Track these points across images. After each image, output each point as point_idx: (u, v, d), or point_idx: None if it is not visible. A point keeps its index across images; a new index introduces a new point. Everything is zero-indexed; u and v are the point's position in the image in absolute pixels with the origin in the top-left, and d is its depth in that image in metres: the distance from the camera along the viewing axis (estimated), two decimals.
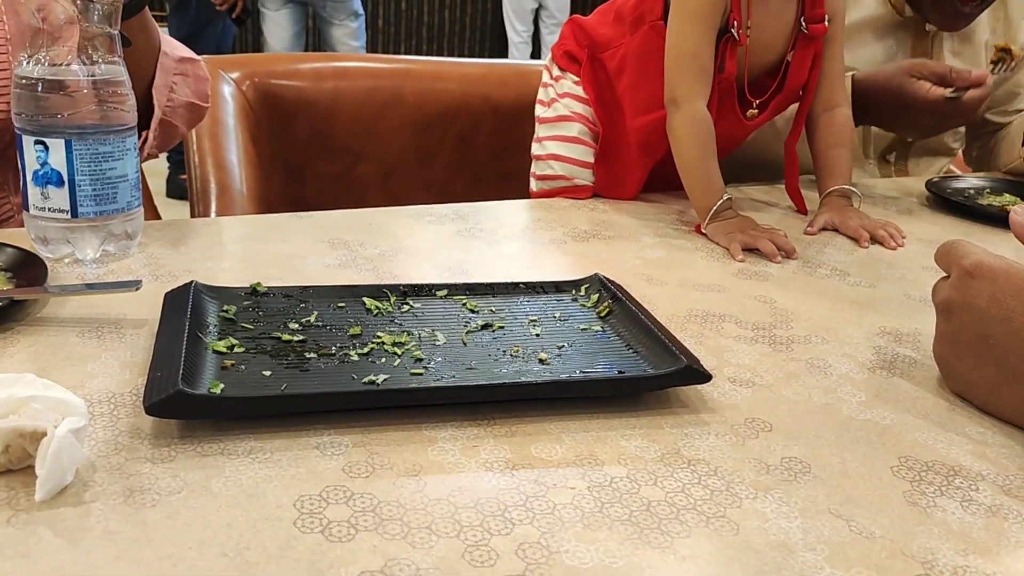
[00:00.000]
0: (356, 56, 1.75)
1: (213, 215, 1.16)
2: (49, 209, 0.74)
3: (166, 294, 0.66)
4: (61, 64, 0.73)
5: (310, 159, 1.43)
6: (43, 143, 0.72)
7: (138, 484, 0.48)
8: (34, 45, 0.73)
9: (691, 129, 1.01)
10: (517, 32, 5.14)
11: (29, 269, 0.71)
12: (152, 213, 1.19)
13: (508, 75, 1.57)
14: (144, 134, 0.94)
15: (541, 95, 1.24)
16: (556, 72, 1.22)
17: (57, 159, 0.72)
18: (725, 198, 0.98)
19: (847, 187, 1.07)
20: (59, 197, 0.74)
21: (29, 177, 0.74)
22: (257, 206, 1.23)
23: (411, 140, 1.50)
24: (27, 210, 0.75)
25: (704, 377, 0.60)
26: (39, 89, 0.72)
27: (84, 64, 0.74)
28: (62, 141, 0.72)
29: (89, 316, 0.67)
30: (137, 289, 0.67)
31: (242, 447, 0.52)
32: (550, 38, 5.23)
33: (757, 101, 1.08)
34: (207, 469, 0.50)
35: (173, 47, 0.97)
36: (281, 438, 0.54)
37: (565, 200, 1.10)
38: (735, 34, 1.01)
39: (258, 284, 0.69)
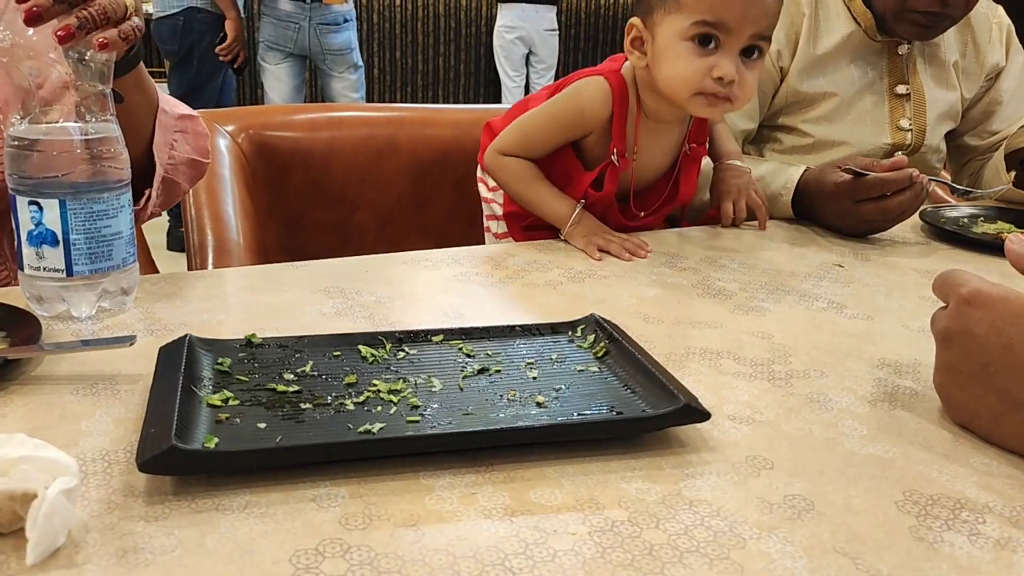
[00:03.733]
0: (350, 105, 1.77)
1: (210, 268, 1.16)
2: (44, 269, 0.74)
3: (160, 348, 0.65)
4: (54, 123, 0.74)
5: (307, 208, 1.44)
6: (37, 203, 0.72)
7: (131, 544, 0.48)
8: (27, 107, 0.73)
9: (518, 164, 1.14)
10: (510, 78, 5.19)
11: (23, 327, 0.71)
12: (150, 267, 1.19)
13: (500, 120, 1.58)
14: (147, 192, 0.94)
15: (486, 211, 1.31)
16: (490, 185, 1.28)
17: (51, 219, 0.72)
18: (580, 206, 1.09)
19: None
20: (54, 256, 0.74)
21: (24, 237, 0.74)
22: (254, 257, 1.23)
23: (407, 186, 1.50)
24: (22, 270, 0.75)
25: (703, 416, 0.60)
26: (32, 149, 0.72)
27: (77, 123, 0.74)
28: (56, 201, 0.72)
29: (84, 373, 0.67)
30: (131, 344, 0.66)
31: (237, 502, 0.52)
32: (540, 81, 5.29)
33: (643, 213, 1.17)
34: (202, 526, 0.50)
35: (171, 104, 0.97)
36: (277, 491, 0.53)
37: (560, 242, 1.10)
38: (615, 160, 1.10)
39: (253, 336, 0.69)
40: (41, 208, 0.72)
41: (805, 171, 1.23)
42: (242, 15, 3.82)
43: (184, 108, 0.99)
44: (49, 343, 0.69)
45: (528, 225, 1.20)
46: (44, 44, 0.71)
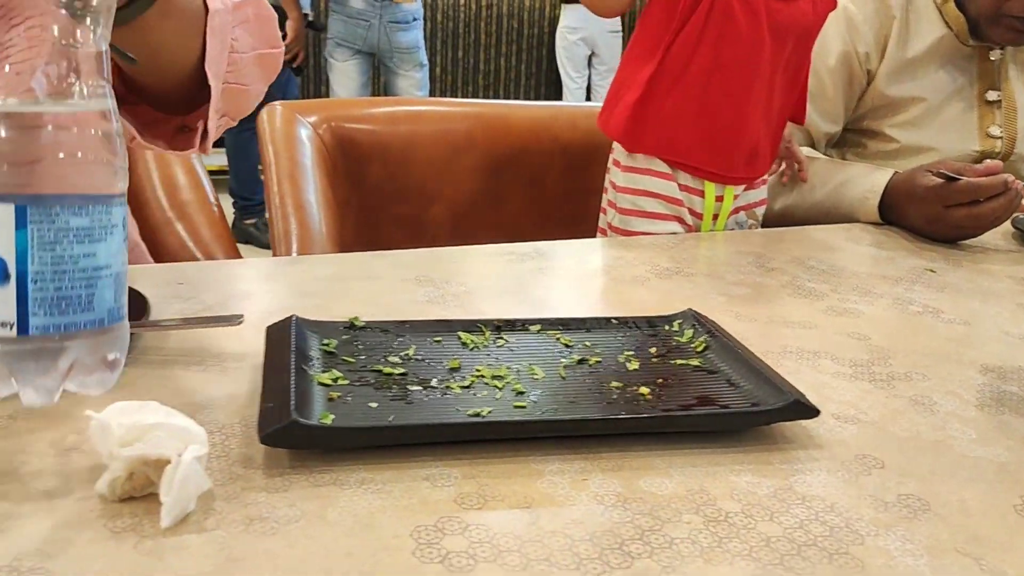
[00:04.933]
0: (429, 100, 1.78)
1: (294, 254, 1.18)
2: None
3: (268, 327, 0.67)
4: (14, 90, 0.47)
5: (383, 201, 1.45)
6: None
7: (256, 512, 0.49)
8: None
9: None
10: (572, 79, 5.19)
11: (131, 304, 0.72)
12: (233, 251, 1.21)
13: (577, 117, 1.59)
14: (199, 126, 0.77)
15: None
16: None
17: (1, 236, 0.45)
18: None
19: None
20: (0, 300, 0.45)
21: None
22: (335, 247, 1.25)
23: (482, 182, 1.51)
24: None
25: (812, 412, 0.59)
26: None
27: (48, 91, 0.47)
28: (11, 208, 0.45)
29: (190, 349, 0.69)
30: (239, 323, 0.68)
31: (353, 477, 0.53)
32: (602, 83, 5.28)
33: None
34: (321, 499, 0.50)
35: None
36: (390, 469, 0.54)
37: (644, 238, 1.09)
38: None
39: (356, 319, 0.70)
40: None
41: (893, 175, 1.21)
42: (304, 12, 3.89)
43: None
44: (158, 320, 0.71)
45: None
46: None
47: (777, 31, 1.09)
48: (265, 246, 3.69)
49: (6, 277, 0.45)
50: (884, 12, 1.34)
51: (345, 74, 3.95)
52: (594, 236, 1.44)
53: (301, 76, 4.64)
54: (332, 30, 3.92)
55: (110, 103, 0.49)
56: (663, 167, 1.13)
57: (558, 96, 5.50)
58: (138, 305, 0.71)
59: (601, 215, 1.24)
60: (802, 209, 1.30)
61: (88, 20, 0.47)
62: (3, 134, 0.45)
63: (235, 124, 0.85)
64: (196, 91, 0.76)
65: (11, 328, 0.45)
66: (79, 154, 0.47)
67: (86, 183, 0.47)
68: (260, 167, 4.02)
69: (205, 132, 0.79)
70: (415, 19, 3.92)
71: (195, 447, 0.47)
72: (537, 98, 5.78)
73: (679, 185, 1.14)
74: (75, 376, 0.48)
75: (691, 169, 1.14)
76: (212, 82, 0.75)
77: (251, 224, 3.94)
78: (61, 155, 0.46)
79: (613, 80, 1.18)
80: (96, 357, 0.49)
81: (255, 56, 0.82)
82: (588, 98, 5.30)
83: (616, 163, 1.18)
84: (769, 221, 1.27)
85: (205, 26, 0.73)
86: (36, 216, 0.45)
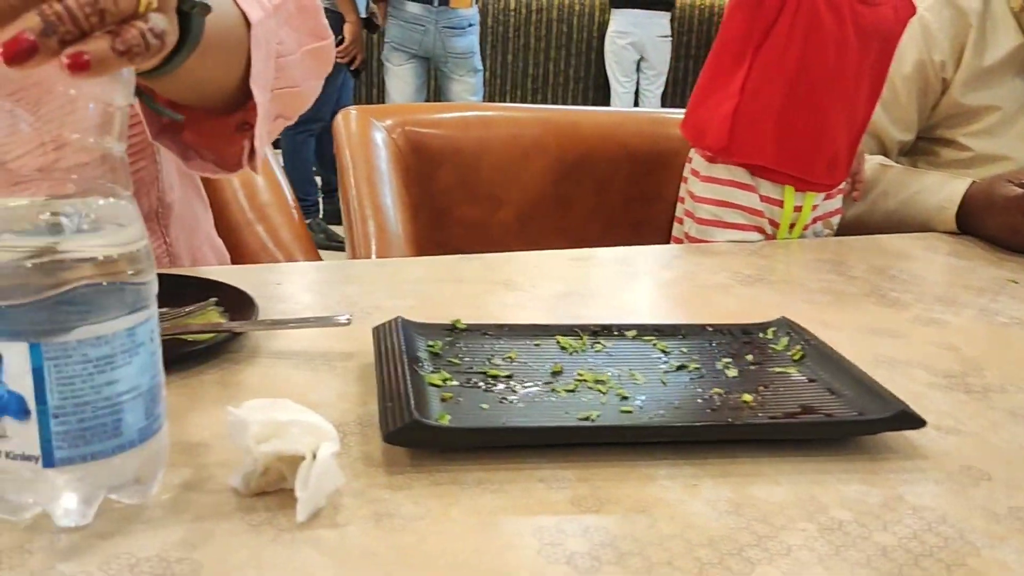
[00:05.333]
0: (500, 106, 1.80)
1: (373, 256, 1.20)
2: (7, 454, 0.45)
3: (374, 328, 0.69)
4: (18, 206, 0.44)
5: (453, 204, 1.47)
6: None
7: (383, 509, 0.50)
8: None
9: None
10: (620, 84, 5.19)
11: (239, 303, 0.75)
12: (313, 253, 1.23)
13: (643, 123, 1.59)
14: (246, 143, 0.74)
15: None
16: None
17: (16, 373, 0.43)
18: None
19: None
20: (21, 435, 0.44)
21: None
22: (412, 249, 1.27)
23: (549, 187, 1.52)
24: None
25: (918, 422, 0.60)
26: None
27: (61, 207, 0.44)
28: (24, 345, 0.43)
29: (298, 350, 0.71)
30: (347, 323, 0.70)
31: (471, 477, 0.54)
32: (650, 87, 5.27)
33: None
34: (444, 497, 0.52)
35: None
36: (505, 470, 0.55)
37: (722, 245, 1.10)
38: None
39: (458, 321, 0.71)
40: (0, 356, 0.44)
41: (971, 184, 1.20)
42: (361, 17, 3.93)
43: None
44: (269, 320, 0.73)
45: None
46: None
47: (862, 35, 1.09)
48: (320, 246, 3.73)
49: (26, 413, 0.44)
50: (960, 20, 1.33)
51: (400, 78, 4.00)
52: (659, 240, 1.45)
53: (359, 78, 4.69)
54: (389, 34, 3.97)
55: (129, 208, 0.46)
56: (745, 177, 1.14)
57: (606, 100, 5.50)
58: (246, 306, 0.74)
59: (676, 224, 1.24)
60: (875, 218, 1.29)
61: (96, 110, 0.44)
62: (17, 264, 0.43)
63: (292, 122, 0.83)
64: (246, 99, 0.72)
65: (37, 461, 0.45)
66: (97, 278, 0.44)
67: (104, 305, 0.44)
68: (315, 168, 4.09)
69: (253, 149, 0.75)
70: (471, 24, 3.95)
71: (329, 443, 0.49)
72: (584, 102, 5.78)
73: (760, 196, 1.14)
74: (103, 492, 0.47)
75: (774, 175, 1.13)
76: (258, 98, 0.71)
77: (307, 224, 4.00)
78: (75, 281, 0.43)
79: (697, 88, 1.18)
80: (127, 477, 0.48)
81: (303, 53, 0.79)
82: (636, 102, 5.30)
83: (695, 173, 1.18)
84: (841, 229, 1.27)
85: (248, 41, 0.69)
86: (51, 352, 0.43)
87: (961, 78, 1.32)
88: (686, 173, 1.21)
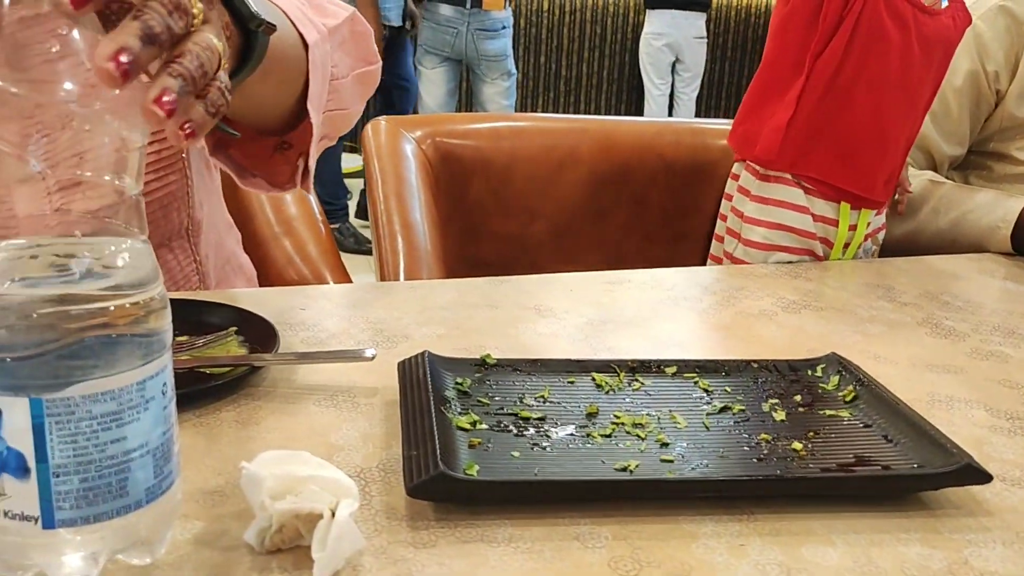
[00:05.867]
0: (533, 116, 1.76)
1: (401, 274, 1.17)
2: (6, 513, 0.42)
3: (399, 364, 0.65)
4: (18, 258, 0.41)
5: (485, 217, 1.44)
6: None
7: (406, 571, 0.47)
8: None
9: None
10: (655, 85, 5.13)
11: (259, 332, 0.72)
12: (340, 269, 1.21)
13: (682, 134, 1.55)
14: (301, 163, 0.74)
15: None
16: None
17: (16, 430, 0.40)
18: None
19: None
20: (21, 495, 0.41)
21: None
22: (441, 265, 1.24)
23: (585, 199, 1.49)
24: None
25: (984, 477, 0.55)
26: None
27: (69, 251, 0.41)
28: (24, 401, 0.40)
29: (320, 384, 0.68)
30: (372, 359, 0.66)
31: (501, 534, 0.50)
32: (685, 90, 5.20)
33: None
34: (470, 557, 0.48)
35: (320, 13, 0.74)
36: (538, 525, 0.51)
37: (765, 267, 1.05)
38: None
39: (487, 356, 0.68)
40: None
41: None
42: (392, 25, 3.92)
43: (335, 7, 0.78)
44: (291, 353, 0.70)
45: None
46: (13, 116, 0.39)
47: (925, 44, 1.04)
48: (348, 250, 3.72)
49: (26, 471, 0.41)
50: (1016, 30, 1.27)
51: (432, 81, 3.98)
52: (697, 255, 1.40)
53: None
54: (422, 37, 3.94)
55: (146, 251, 0.43)
56: (799, 198, 1.08)
57: (639, 103, 5.44)
58: (267, 336, 0.71)
59: (716, 243, 1.19)
60: (925, 236, 1.24)
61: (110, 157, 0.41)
62: (14, 323, 0.39)
63: (334, 143, 0.84)
64: (296, 120, 0.73)
65: (36, 523, 0.41)
66: (106, 327, 0.41)
67: (112, 357, 0.41)
68: (342, 173, 4.08)
69: (307, 168, 0.75)
70: (504, 27, 3.91)
71: (348, 502, 0.46)
72: (618, 104, 5.73)
73: (813, 216, 1.09)
74: (114, 555, 0.44)
75: (829, 192, 1.08)
76: (314, 118, 0.71)
77: (335, 229, 4.00)
78: (81, 332, 0.40)
79: (748, 99, 1.13)
80: (132, 540, 0.44)
81: (354, 77, 0.80)
82: (671, 105, 5.24)
83: (744, 191, 1.12)
84: (888, 248, 1.22)
85: (307, 63, 0.69)
86: (53, 408, 0.40)
87: (1016, 90, 1.27)
88: (731, 190, 1.16)
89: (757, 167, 1.10)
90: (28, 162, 0.39)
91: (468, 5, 3.81)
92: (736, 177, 1.15)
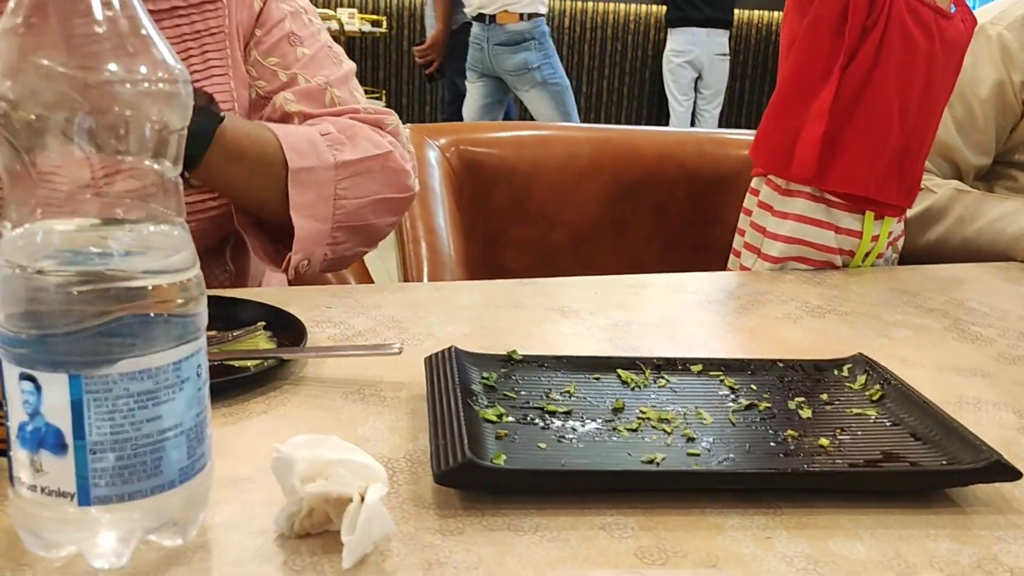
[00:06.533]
0: (556, 125, 1.77)
1: (425, 278, 1.18)
2: (42, 489, 0.43)
3: (426, 358, 0.66)
4: (65, 233, 0.42)
5: (507, 225, 1.45)
6: (32, 378, 0.41)
7: (434, 556, 0.47)
8: (21, 202, 0.41)
9: None
10: (679, 102, 5.14)
11: (288, 328, 0.73)
12: (364, 274, 1.22)
13: (705, 144, 1.55)
14: (288, 256, 0.87)
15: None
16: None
17: (55, 406, 0.41)
18: None
19: None
20: (58, 471, 0.42)
21: (13, 432, 0.43)
22: (464, 271, 1.24)
23: (606, 208, 1.49)
24: (11, 484, 0.44)
25: (1014, 474, 0.55)
26: (25, 285, 0.41)
27: (108, 232, 0.42)
28: (64, 376, 0.41)
29: (348, 378, 0.68)
30: (398, 353, 0.67)
31: (528, 523, 0.51)
32: (707, 107, 5.21)
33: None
34: (498, 544, 0.49)
35: (331, 147, 0.88)
36: (564, 515, 0.52)
37: (789, 273, 1.05)
38: None
39: (514, 352, 0.68)
40: (39, 387, 0.41)
41: None
42: (451, 28, 4.05)
43: (358, 148, 0.89)
44: (317, 347, 0.71)
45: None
46: (61, 97, 0.39)
47: (948, 49, 1.04)
48: None
49: (63, 448, 0.42)
50: None
51: (471, 95, 4.13)
52: (718, 265, 1.40)
53: (434, 83, 4.77)
54: (468, 53, 4.08)
55: (183, 236, 0.44)
56: (821, 213, 1.07)
57: (659, 119, 5.46)
58: (296, 331, 0.72)
59: (733, 257, 1.19)
60: (951, 245, 1.23)
61: (152, 134, 0.42)
62: (59, 290, 0.40)
63: (373, 249, 0.97)
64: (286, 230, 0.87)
65: (72, 499, 0.42)
66: (143, 307, 0.42)
67: (148, 338, 0.42)
68: None
69: (294, 264, 0.88)
70: (524, 40, 3.95)
71: (377, 486, 0.46)
72: (638, 121, 5.75)
73: (837, 230, 1.08)
74: (141, 535, 0.45)
75: (856, 202, 1.07)
76: (297, 222, 0.85)
77: None
78: (120, 312, 0.41)
79: (770, 112, 1.12)
80: (165, 519, 0.45)
81: (379, 200, 0.92)
82: (693, 122, 5.25)
83: (766, 207, 1.12)
84: (913, 257, 1.21)
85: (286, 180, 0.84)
86: (92, 385, 0.41)
87: None
88: (750, 205, 1.15)
89: (779, 182, 1.10)
90: (74, 142, 0.40)
91: (487, 20, 3.87)
92: (755, 192, 1.14)
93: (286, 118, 0.95)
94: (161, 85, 0.41)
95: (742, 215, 1.16)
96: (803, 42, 1.06)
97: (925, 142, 1.09)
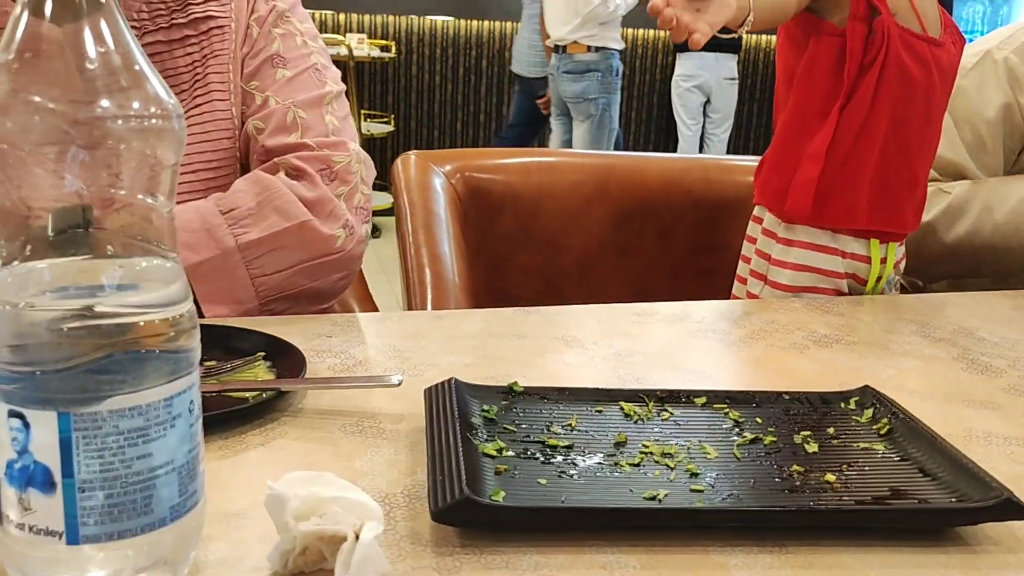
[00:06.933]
0: (562, 152, 1.77)
1: (429, 305, 1.17)
2: (31, 528, 0.42)
3: (426, 390, 0.65)
4: (52, 264, 0.41)
5: (513, 251, 1.44)
6: (21, 416, 0.40)
7: None
8: (12, 238, 0.41)
9: None
10: (687, 126, 5.15)
11: (287, 358, 0.72)
12: (369, 303, 1.21)
13: (711, 170, 1.55)
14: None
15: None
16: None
17: (44, 444, 0.41)
18: None
19: None
20: (46, 509, 0.41)
21: (1, 470, 0.42)
22: (469, 297, 1.24)
23: (611, 234, 1.48)
24: (0, 523, 0.43)
25: None
26: (16, 324, 0.40)
27: (101, 267, 0.42)
28: (52, 415, 0.40)
29: (347, 409, 0.67)
30: (398, 385, 0.66)
31: (526, 561, 0.50)
32: (715, 131, 5.22)
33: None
34: None
35: (236, 223, 0.85)
36: (563, 553, 0.50)
37: (796, 301, 1.04)
38: None
39: (515, 384, 0.67)
40: (27, 424, 0.40)
41: None
42: None
43: (266, 224, 0.86)
44: (317, 378, 0.70)
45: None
46: (52, 133, 0.39)
47: (943, 77, 1.04)
48: None
49: (52, 486, 0.41)
50: None
51: (553, 130, 4.28)
52: (724, 291, 1.39)
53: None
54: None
55: (174, 269, 0.43)
56: (827, 239, 1.07)
57: (668, 143, 5.46)
58: (296, 361, 0.71)
59: (738, 284, 1.18)
60: (983, 235, 1.23)
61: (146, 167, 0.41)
62: (49, 329, 0.40)
63: (328, 304, 0.94)
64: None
65: (60, 538, 0.41)
66: (134, 342, 0.41)
67: (139, 374, 0.41)
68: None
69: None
70: (588, 70, 4.05)
71: (372, 525, 0.45)
72: (646, 145, 5.75)
73: (843, 254, 1.08)
74: (136, 574, 0.43)
75: (864, 233, 1.07)
76: (210, 311, 0.83)
77: None
78: (110, 347, 0.40)
79: (771, 151, 1.12)
80: (156, 558, 0.44)
81: (305, 267, 0.88)
82: (702, 146, 5.25)
83: (770, 234, 1.11)
84: (943, 257, 1.21)
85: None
86: (81, 422, 0.40)
87: None
88: (754, 233, 1.15)
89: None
90: (65, 179, 0.40)
91: (560, 51, 4.02)
92: (759, 220, 1.14)
93: (253, 145, 0.94)
94: (154, 120, 0.40)
95: (746, 242, 1.16)
96: (800, 82, 1.06)
97: (926, 165, 1.08)
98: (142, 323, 0.41)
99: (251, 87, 0.96)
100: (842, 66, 1.01)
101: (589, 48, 4.05)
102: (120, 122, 0.39)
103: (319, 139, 0.93)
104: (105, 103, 0.39)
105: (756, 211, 1.14)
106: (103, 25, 0.40)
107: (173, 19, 0.92)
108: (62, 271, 0.41)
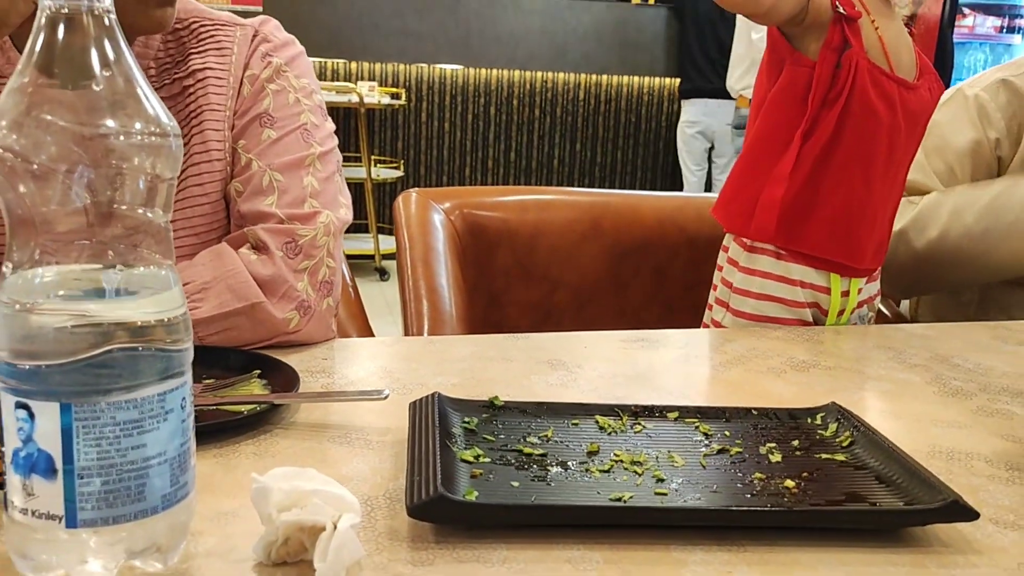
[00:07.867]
0: (558, 189, 1.82)
1: (426, 335, 1.21)
2: (33, 512, 0.46)
3: (411, 403, 0.68)
4: (62, 271, 0.45)
5: (510, 286, 1.48)
6: (27, 407, 0.45)
7: None
8: (23, 246, 0.45)
9: None
10: (692, 172, 5.21)
11: (282, 375, 0.76)
12: (367, 331, 1.25)
13: (704, 208, 1.58)
14: None
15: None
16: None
17: (47, 433, 0.45)
18: None
19: None
20: (48, 495, 0.45)
21: (8, 458, 0.46)
22: (465, 328, 1.27)
23: (607, 270, 1.52)
24: (6, 509, 0.48)
25: (971, 514, 0.56)
26: (24, 323, 0.44)
27: (101, 274, 0.46)
28: (55, 405, 0.44)
29: (336, 423, 0.71)
30: (385, 398, 0.70)
31: (496, 555, 0.53)
32: (721, 176, 5.28)
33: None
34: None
35: (188, 299, 0.78)
36: (532, 549, 0.54)
37: (778, 329, 1.08)
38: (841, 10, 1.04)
39: (496, 398, 0.71)
40: (32, 414, 0.45)
41: None
42: None
43: (216, 303, 0.84)
44: (308, 393, 0.74)
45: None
46: (62, 150, 0.43)
47: (910, 119, 1.08)
48: None
49: (53, 472, 0.45)
50: (1016, 103, 1.31)
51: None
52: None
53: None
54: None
55: (170, 277, 0.47)
56: (786, 270, 1.11)
57: (673, 188, 5.52)
58: (289, 380, 0.75)
59: (707, 311, 1.22)
60: (952, 240, 1.26)
61: (147, 181, 0.45)
62: (56, 326, 0.44)
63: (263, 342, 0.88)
64: None
65: (60, 521, 0.46)
66: (132, 342, 0.45)
67: (134, 371, 0.45)
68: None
69: None
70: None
71: (349, 515, 0.49)
72: (652, 190, 5.81)
73: (802, 284, 1.11)
74: (124, 558, 0.47)
75: (818, 263, 1.11)
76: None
77: None
78: (109, 346, 0.45)
79: (734, 175, 1.17)
80: (148, 543, 0.47)
81: (211, 317, 0.83)
82: (707, 191, 5.31)
83: (733, 262, 1.16)
84: (911, 265, 1.23)
85: None
86: (81, 413, 0.45)
87: (1021, 159, 1.30)
88: (721, 261, 1.19)
89: (745, 239, 1.14)
90: (73, 192, 0.44)
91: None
92: (726, 248, 1.18)
93: (232, 208, 0.94)
94: (153, 138, 0.45)
95: (716, 271, 1.20)
96: (769, 108, 1.11)
97: (889, 206, 1.12)
98: (139, 324, 0.45)
99: (239, 146, 0.95)
100: (808, 95, 1.06)
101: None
102: (123, 139, 0.44)
103: (289, 210, 0.91)
104: (110, 123, 0.44)
105: (725, 240, 1.19)
106: (107, 46, 0.44)
107: (175, 73, 0.95)
108: (68, 276, 0.46)
